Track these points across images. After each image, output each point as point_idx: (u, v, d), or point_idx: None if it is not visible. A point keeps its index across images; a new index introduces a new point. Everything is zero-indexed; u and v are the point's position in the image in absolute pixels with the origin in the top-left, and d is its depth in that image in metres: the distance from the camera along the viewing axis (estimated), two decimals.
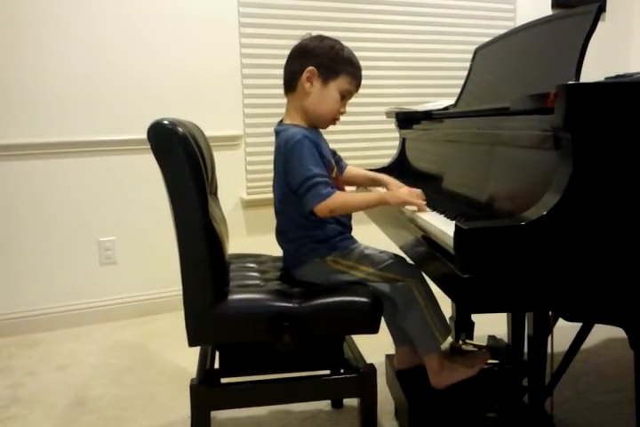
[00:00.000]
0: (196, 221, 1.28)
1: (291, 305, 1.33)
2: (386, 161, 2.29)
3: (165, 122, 1.27)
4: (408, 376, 1.61)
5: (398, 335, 1.61)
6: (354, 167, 1.74)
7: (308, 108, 1.47)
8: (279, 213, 1.51)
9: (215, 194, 1.72)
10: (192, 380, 1.35)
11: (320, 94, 1.45)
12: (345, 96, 1.48)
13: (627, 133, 0.95)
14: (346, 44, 1.54)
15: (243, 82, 2.91)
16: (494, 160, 1.32)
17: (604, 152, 0.95)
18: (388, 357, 1.74)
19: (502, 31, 1.68)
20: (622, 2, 3.66)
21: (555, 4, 3.44)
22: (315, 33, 1.49)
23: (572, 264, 0.95)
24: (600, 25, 1.21)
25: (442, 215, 1.32)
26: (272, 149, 1.51)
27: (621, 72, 1.38)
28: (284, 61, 1.54)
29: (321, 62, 1.44)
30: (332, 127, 1.55)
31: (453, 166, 1.65)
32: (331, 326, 1.36)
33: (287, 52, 3.29)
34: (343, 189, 1.53)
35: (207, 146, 1.65)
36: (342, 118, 1.55)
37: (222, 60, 2.85)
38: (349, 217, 1.57)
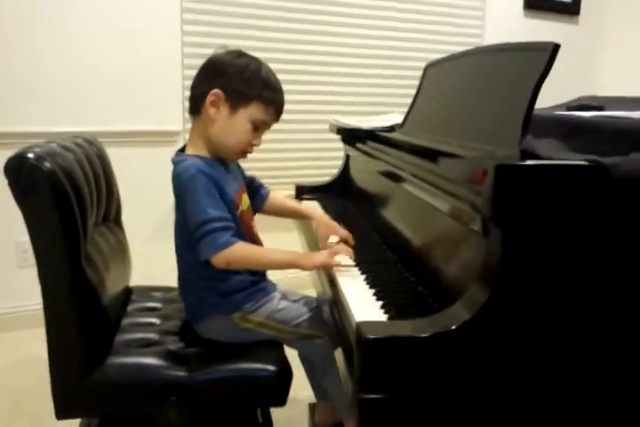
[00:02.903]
0: (63, 278, 1.07)
1: (180, 374, 1.13)
2: (328, 177, 2.09)
3: (29, 155, 1.04)
4: None
5: (319, 391, 1.44)
6: (278, 196, 1.51)
7: (212, 136, 1.23)
8: (178, 259, 1.30)
9: (116, 221, 1.49)
10: None
11: (227, 123, 1.21)
12: (259, 126, 1.24)
13: (574, 228, 0.76)
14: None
15: (184, 73, 2.65)
16: (427, 216, 1.13)
17: (543, 252, 0.76)
18: (311, 407, 1.57)
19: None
20: (596, 5, 3.46)
21: (527, 6, 3.23)
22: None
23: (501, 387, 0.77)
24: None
25: (362, 277, 1.12)
26: None
27: (588, 88, 1.19)
28: None
29: (230, 84, 1.20)
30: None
31: (392, 204, 1.46)
32: (228, 400, 1.17)
33: (235, 42, 3.01)
34: (250, 228, 1.31)
35: (104, 164, 1.42)
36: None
37: (160, 49, 2.58)
38: None
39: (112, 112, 2.51)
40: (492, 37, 3.18)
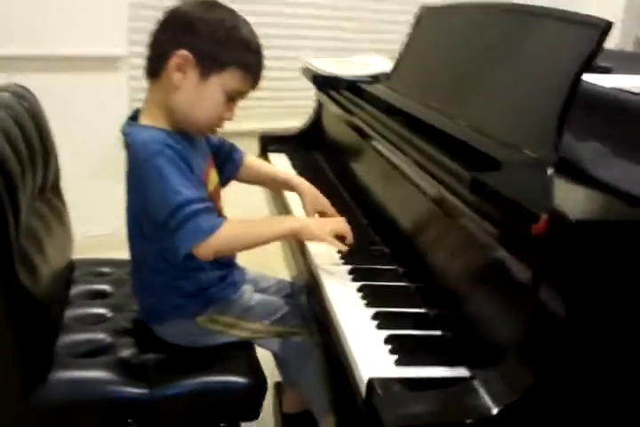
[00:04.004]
0: None
1: (138, 391, 0.97)
2: (299, 123, 1.86)
3: None
4: (295, 423, 1.35)
5: (288, 379, 1.31)
6: (255, 160, 1.29)
7: (175, 107, 0.99)
8: (131, 248, 1.08)
9: (53, 189, 1.26)
10: None
11: (195, 92, 0.97)
12: (234, 97, 1.01)
13: None
14: None
15: None
16: (434, 216, 0.96)
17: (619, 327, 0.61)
18: (276, 386, 1.45)
19: None
20: None
21: None
22: None
23: None
24: None
25: (355, 285, 0.96)
26: None
27: None
28: None
29: (200, 45, 0.95)
30: None
31: (380, 178, 1.27)
32: (194, 419, 1.02)
33: None
34: (219, 210, 1.11)
35: (39, 125, 1.16)
36: None
37: None
38: None
39: (44, 33, 2.16)
40: None
